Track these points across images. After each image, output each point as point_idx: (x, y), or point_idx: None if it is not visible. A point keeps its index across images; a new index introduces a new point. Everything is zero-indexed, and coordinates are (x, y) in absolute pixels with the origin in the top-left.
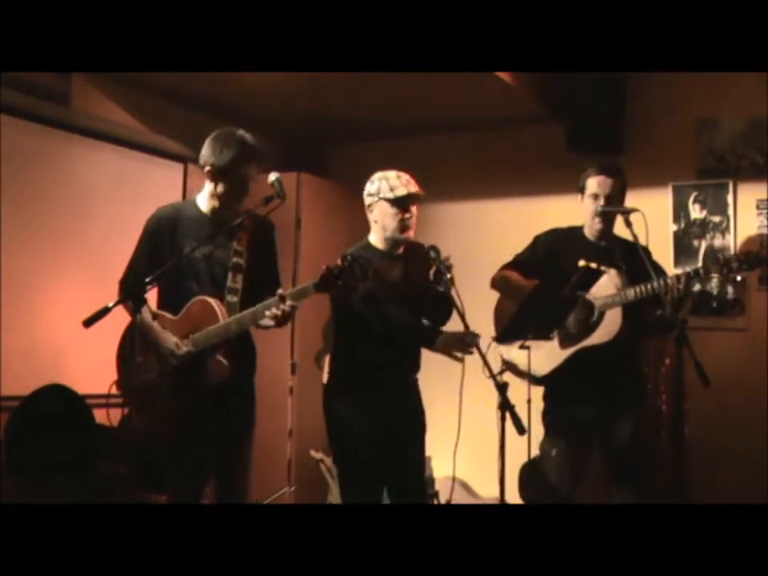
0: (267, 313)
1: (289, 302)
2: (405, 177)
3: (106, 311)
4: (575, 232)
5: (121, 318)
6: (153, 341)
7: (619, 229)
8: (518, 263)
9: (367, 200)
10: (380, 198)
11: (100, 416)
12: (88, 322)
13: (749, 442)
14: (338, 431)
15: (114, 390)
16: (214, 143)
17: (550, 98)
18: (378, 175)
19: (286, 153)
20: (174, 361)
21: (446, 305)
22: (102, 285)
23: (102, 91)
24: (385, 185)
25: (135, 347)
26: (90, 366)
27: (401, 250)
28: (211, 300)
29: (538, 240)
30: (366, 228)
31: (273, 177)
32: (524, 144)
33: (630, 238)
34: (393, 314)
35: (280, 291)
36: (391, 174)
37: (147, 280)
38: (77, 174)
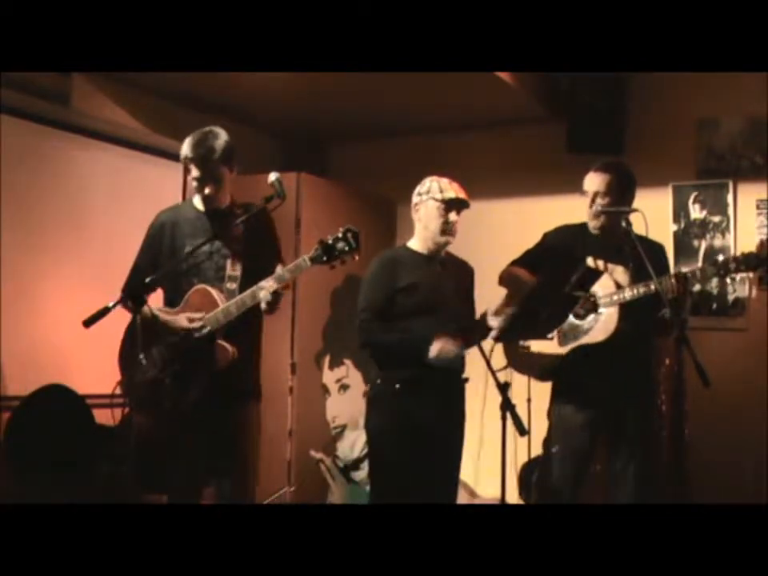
0: (265, 286)
1: (287, 276)
2: (456, 184)
3: (105, 311)
4: (584, 228)
5: (121, 319)
6: (160, 330)
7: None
8: (525, 259)
9: (415, 199)
10: (429, 198)
11: (100, 416)
12: (88, 322)
13: (749, 441)
14: (381, 424)
15: (117, 391)
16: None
17: (550, 98)
18: (429, 178)
19: (286, 153)
20: (196, 334)
21: (474, 325)
22: (103, 285)
23: (102, 91)
24: (436, 186)
25: (137, 345)
26: (90, 366)
27: (441, 257)
28: (209, 287)
29: (546, 237)
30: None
31: (273, 177)
32: (524, 144)
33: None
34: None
35: (279, 268)
36: (444, 179)
37: (148, 280)
38: (77, 174)
